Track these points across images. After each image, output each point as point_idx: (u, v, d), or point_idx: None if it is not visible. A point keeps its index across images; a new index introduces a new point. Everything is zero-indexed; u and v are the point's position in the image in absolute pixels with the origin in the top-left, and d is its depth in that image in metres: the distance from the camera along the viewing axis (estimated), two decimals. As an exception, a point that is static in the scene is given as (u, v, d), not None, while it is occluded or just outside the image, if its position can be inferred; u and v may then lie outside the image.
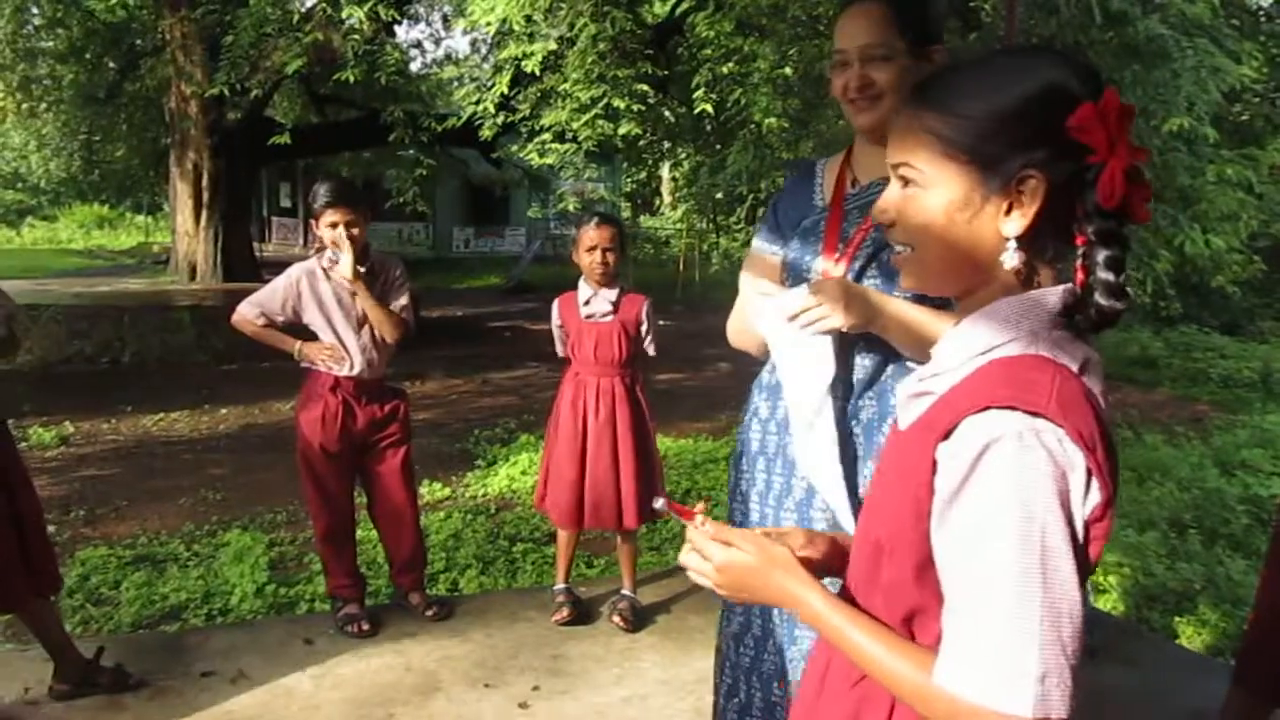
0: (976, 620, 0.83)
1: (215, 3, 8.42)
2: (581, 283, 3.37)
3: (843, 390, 1.70)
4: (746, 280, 1.91)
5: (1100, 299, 0.88)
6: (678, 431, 7.45)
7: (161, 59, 14.02)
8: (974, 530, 0.83)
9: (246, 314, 3.33)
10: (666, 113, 8.41)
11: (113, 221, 32.66)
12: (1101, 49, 5.42)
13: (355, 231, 3.20)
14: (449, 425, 7.70)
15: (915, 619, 0.94)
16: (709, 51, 6.31)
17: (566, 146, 7.26)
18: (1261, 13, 14.79)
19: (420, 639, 3.29)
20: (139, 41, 15.28)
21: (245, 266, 13.75)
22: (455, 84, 13.72)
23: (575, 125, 6.82)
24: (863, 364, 1.73)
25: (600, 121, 6.88)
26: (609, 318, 3.34)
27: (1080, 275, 0.90)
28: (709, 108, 6.73)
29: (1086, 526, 0.83)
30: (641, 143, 8.88)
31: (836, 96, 1.77)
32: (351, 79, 7.10)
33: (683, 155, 11.59)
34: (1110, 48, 5.44)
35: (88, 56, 14.89)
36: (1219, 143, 6.37)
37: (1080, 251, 0.90)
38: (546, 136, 7.16)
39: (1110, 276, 0.88)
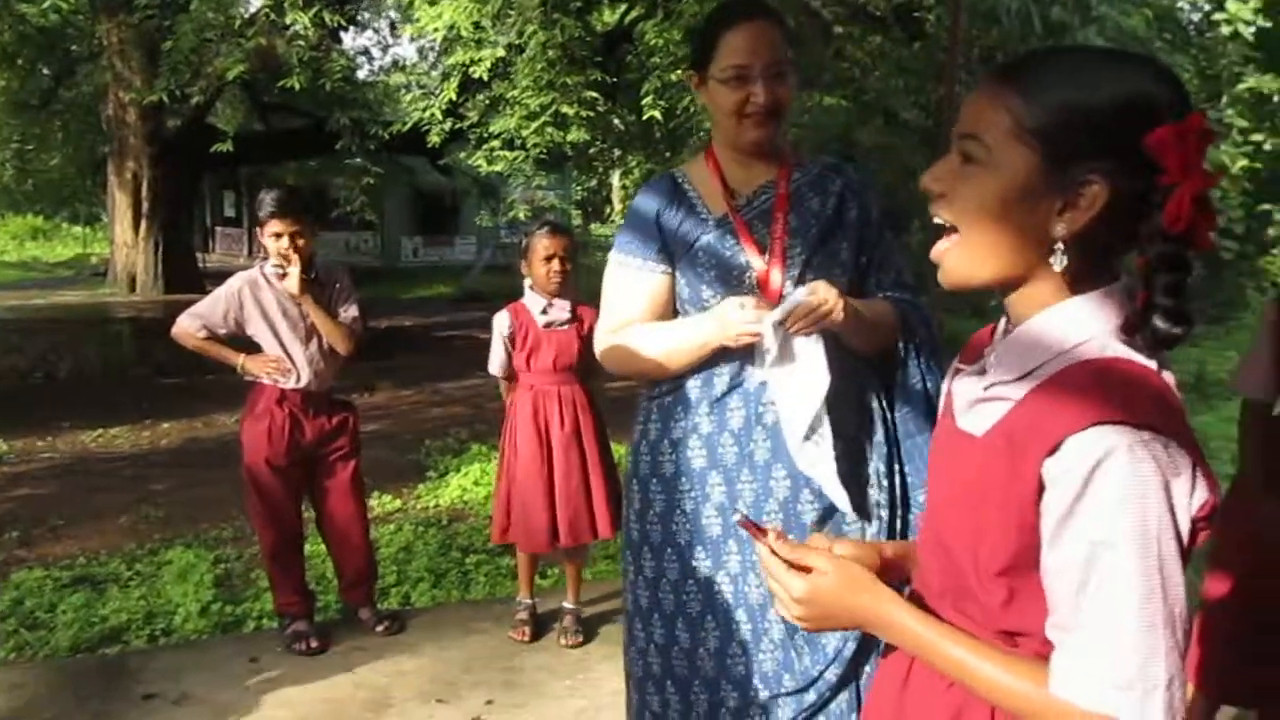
0: (1101, 634, 0.83)
1: (154, 7, 8.26)
2: (530, 292, 3.31)
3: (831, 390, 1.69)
4: (628, 298, 1.85)
5: (1159, 322, 0.86)
6: (628, 438, 7.42)
7: (99, 65, 13.73)
8: (1091, 546, 0.83)
9: (187, 326, 3.24)
10: (616, 120, 8.42)
11: (48, 233, 31.83)
12: (1010, 36, 5.51)
13: (301, 242, 3.13)
14: (399, 436, 7.59)
15: (1013, 634, 0.93)
16: (658, 59, 6.33)
17: (516, 154, 7.23)
18: (1192, 26, 15.25)
19: (371, 655, 3.22)
20: (75, 47, 14.92)
21: (187, 277, 13.49)
22: (403, 91, 13.60)
23: (525, 132, 6.80)
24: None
25: (549, 129, 6.86)
26: (568, 326, 3.29)
27: (1141, 296, 0.88)
28: (658, 114, 6.75)
29: (1193, 524, 0.84)
30: (591, 150, 8.87)
31: (724, 110, 1.75)
32: (296, 86, 7.00)
33: (633, 163, 11.61)
34: (1012, 36, 5.54)
35: (20, 62, 14.47)
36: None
37: (1142, 273, 0.88)
38: (495, 144, 7.12)
39: (1170, 302, 0.86)
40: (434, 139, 7.07)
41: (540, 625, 3.43)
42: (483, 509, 5.49)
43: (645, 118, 6.91)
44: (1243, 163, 14.44)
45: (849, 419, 1.76)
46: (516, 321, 3.30)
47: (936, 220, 0.97)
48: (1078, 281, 0.92)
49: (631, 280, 1.85)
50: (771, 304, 1.69)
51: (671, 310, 1.86)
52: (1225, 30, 14.30)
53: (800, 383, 1.67)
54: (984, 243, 0.93)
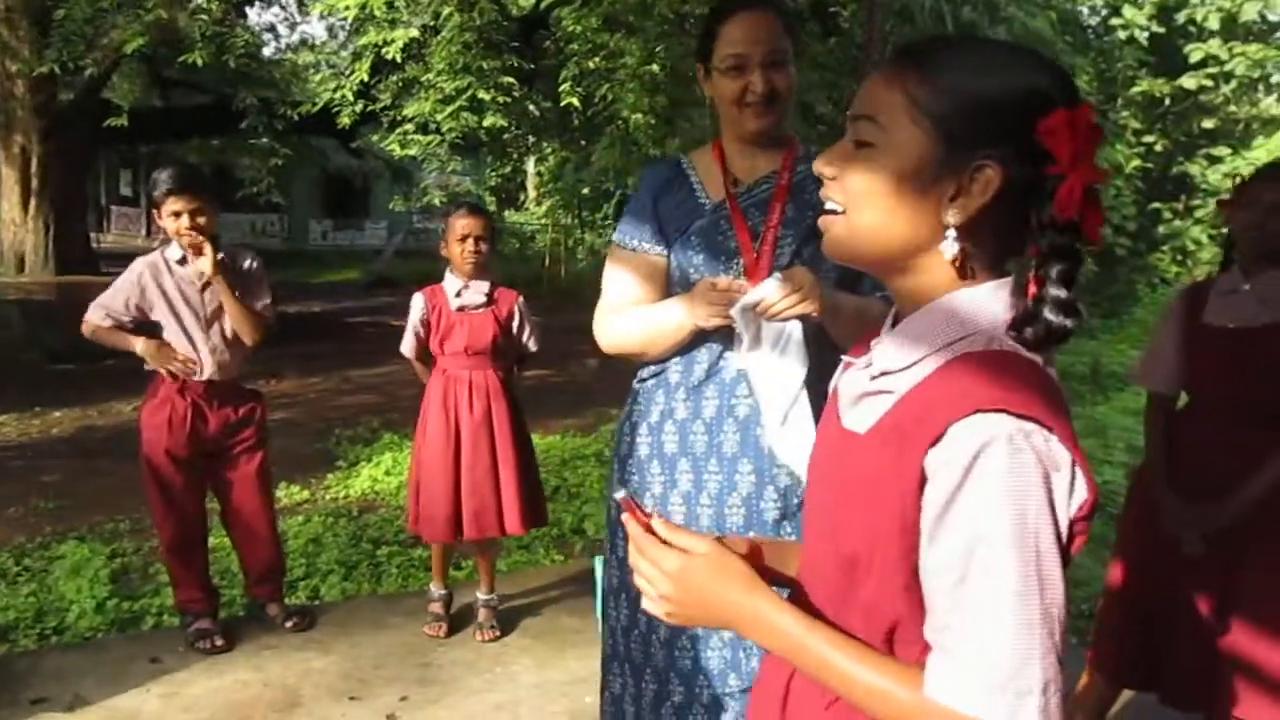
0: (975, 633, 0.80)
1: (44, -26, 7.85)
2: (449, 275, 3.26)
3: (811, 384, 1.69)
4: (623, 281, 1.88)
5: (1050, 314, 0.86)
6: (545, 429, 7.37)
7: (-17, 33, 12.97)
8: (968, 540, 0.80)
9: (92, 319, 3.10)
10: (531, 107, 8.33)
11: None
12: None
13: (202, 221, 3.00)
14: (307, 425, 7.40)
15: (896, 636, 0.89)
16: (576, 46, 6.27)
17: (430, 138, 7.10)
18: (1090, 30, 15.82)
19: (279, 652, 3.13)
20: (-44, 14, 14.08)
21: (80, 258, 12.89)
22: (311, 70, 13.22)
23: (439, 117, 6.67)
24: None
25: (465, 114, 6.75)
26: (483, 309, 3.24)
27: (1032, 288, 0.88)
28: (575, 101, 6.69)
29: (1071, 524, 0.82)
30: (506, 136, 8.77)
31: (725, 100, 1.77)
32: (199, 61, 6.73)
33: (548, 150, 11.52)
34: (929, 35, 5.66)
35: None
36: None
37: (1033, 264, 0.88)
38: (409, 127, 6.98)
39: (1062, 292, 0.86)
40: (345, 121, 6.88)
41: (455, 620, 3.37)
42: (394, 499, 5.39)
43: (563, 105, 6.84)
44: (1136, 163, 15.10)
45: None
46: (431, 303, 3.25)
47: (828, 205, 0.95)
48: (966, 272, 0.91)
49: (626, 263, 1.87)
50: (748, 285, 1.69)
51: (667, 293, 1.88)
52: (1121, 35, 14.91)
53: (777, 368, 1.67)
54: (872, 223, 0.91)
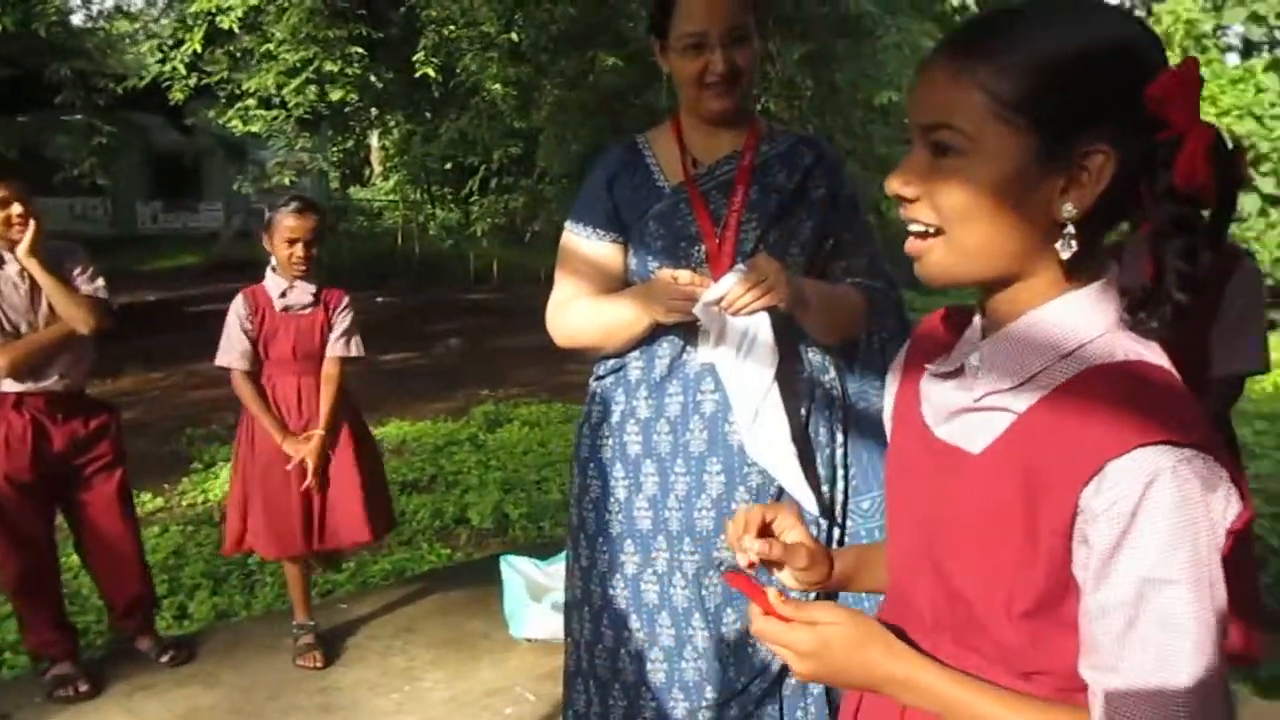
0: (1155, 673, 0.75)
1: None
2: (271, 274, 3.00)
3: (781, 378, 1.61)
4: (577, 270, 1.76)
5: (1176, 292, 0.78)
6: (414, 414, 7.10)
7: None
8: (1140, 583, 0.75)
9: None
10: (374, 78, 7.99)
11: None
12: (821, 21, 5.67)
13: (17, 211, 2.67)
14: (155, 425, 6.87)
15: (1029, 674, 0.84)
16: (434, 12, 5.97)
17: (275, 113, 6.67)
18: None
19: (156, 692, 2.83)
20: None
21: None
22: (128, 40, 12.24)
23: (285, 90, 6.26)
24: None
25: (312, 86, 6.37)
26: (310, 310, 3.00)
27: (1151, 267, 0.80)
28: (431, 71, 6.41)
29: (1226, 536, 0.77)
30: (348, 109, 8.37)
31: (684, 80, 1.67)
32: (2, 28, 6.08)
33: (392, 123, 11.07)
34: (826, 21, 5.71)
35: None
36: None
37: (1149, 241, 0.80)
38: (251, 102, 6.55)
39: (1187, 267, 0.78)
40: (177, 95, 6.38)
41: (332, 637, 3.12)
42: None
43: (419, 75, 6.53)
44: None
45: (798, 411, 1.68)
46: (253, 305, 2.97)
47: (914, 227, 0.85)
48: (1074, 269, 0.82)
49: (580, 250, 1.78)
50: (708, 279, 1.59)
51: (624, 282, 1.78)
52: (953, 3, 15.51)
53: (744, 366, 1.58)
54: (979, 240, 0.82)
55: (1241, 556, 0.78)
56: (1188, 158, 0.76)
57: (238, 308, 2.95)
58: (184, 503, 5.25)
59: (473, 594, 3.48)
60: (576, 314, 1.77)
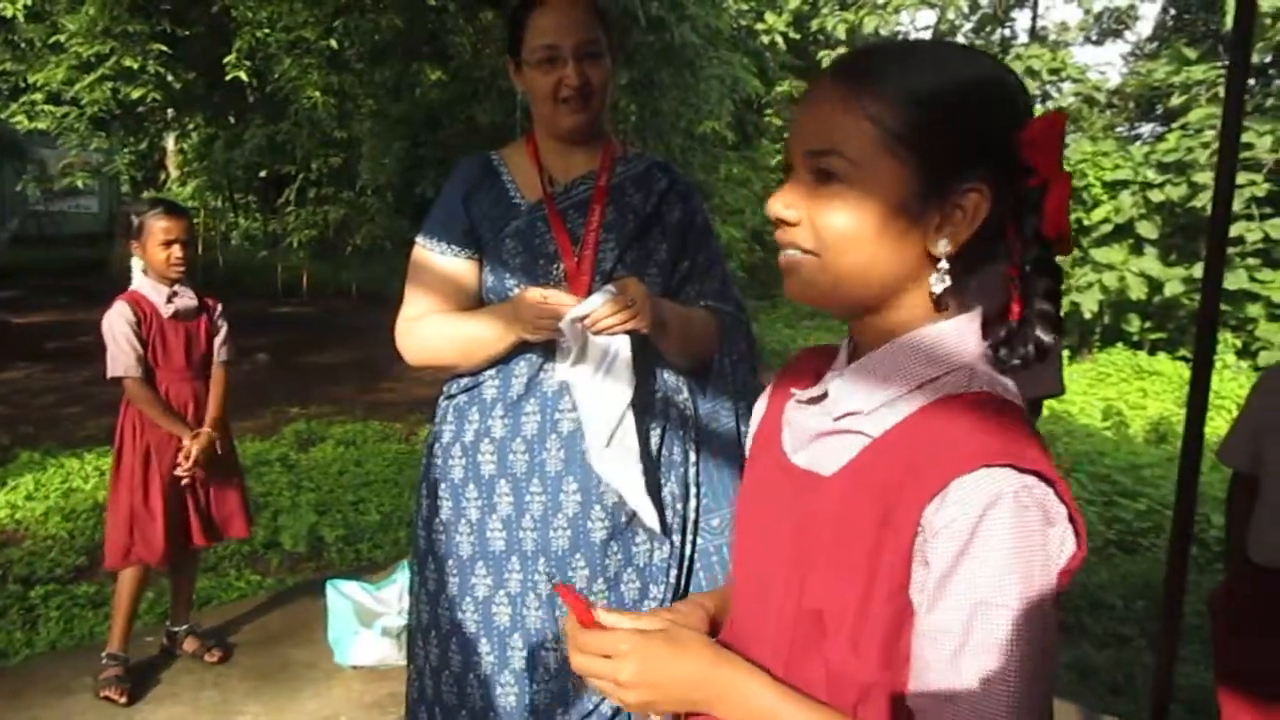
0: (978, 699, 0.75)
1: None
2: (144, 280, 2.91)
3: (636, 399, 1.60)
4: (430, 286, 1.72)
5: (1040, 332, 0.81)
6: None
7: None
8: (972, 606, 0.75)
9: None
10: (172, 78, 7.58)
11: None
12: (646, 51, 5.81)
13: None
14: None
15: (867, 699, 0.81)
16: (248, 13, 5.73)
17: (66, 110, 6.20)
18: (738, 32, 17.13)
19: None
20: None
21: None
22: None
23: (78, 86, 5.84)
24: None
25: (110, 83, 5.97)
26: (196, 316, 2.98)
27: (1016, 306, 0.82)
28: (244, 74, 6.14)
29: (1058, 577, 0.78)
30: (142, 109, 7.90)
31: (538, 96, 1.67)
32: None
33: (191, 125, 10.48)
34: (652, 50, 5.86)
35: None
36: (737, 144, 7.25)
37: (1015, 281, 0.82)
38: (38, 97, 6.07)
39: (1050, 308, 0.81)
40: (-49, 86, 5.82)
41: (141, 678, 2.91)
42: (43, 528, 4.66)
43: (229, 78, 6.24)
44: (779, 158, 16.61)
45: (650, 432, 1.68)
46: (139, 312, 2.86)
47: (790, 251, 0.85)
48: (942, 301, 0.84)
49: (434, 265, 1.73)
50: (577, 298, 1.57)
51: (478, 299, 1.74)
52: (765, 39, 16.26)
53: (602, 386, 1.57)
54: (854, 267, 0.82)
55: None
56: (1055, 205, 0.79)
57: (124, 315, 2.83)
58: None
59: (292, 621, 3.33)
60: (431, 331, 1.72)
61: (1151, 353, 11.80)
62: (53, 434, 6.38)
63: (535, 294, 1.57)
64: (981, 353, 0.84)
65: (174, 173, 20.16)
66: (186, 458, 2.86)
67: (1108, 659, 3.68)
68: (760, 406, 1.04)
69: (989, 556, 0.75)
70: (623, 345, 1.57)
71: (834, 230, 0.82)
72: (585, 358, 1.58)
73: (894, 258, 0.82)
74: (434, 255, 1.74)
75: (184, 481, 2.90)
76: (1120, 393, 10.25)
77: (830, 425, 0.87)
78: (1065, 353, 12.39)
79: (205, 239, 16.56)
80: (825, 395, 0.89)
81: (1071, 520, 0.78)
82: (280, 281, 14.78)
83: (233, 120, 8.65)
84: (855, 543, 0.80)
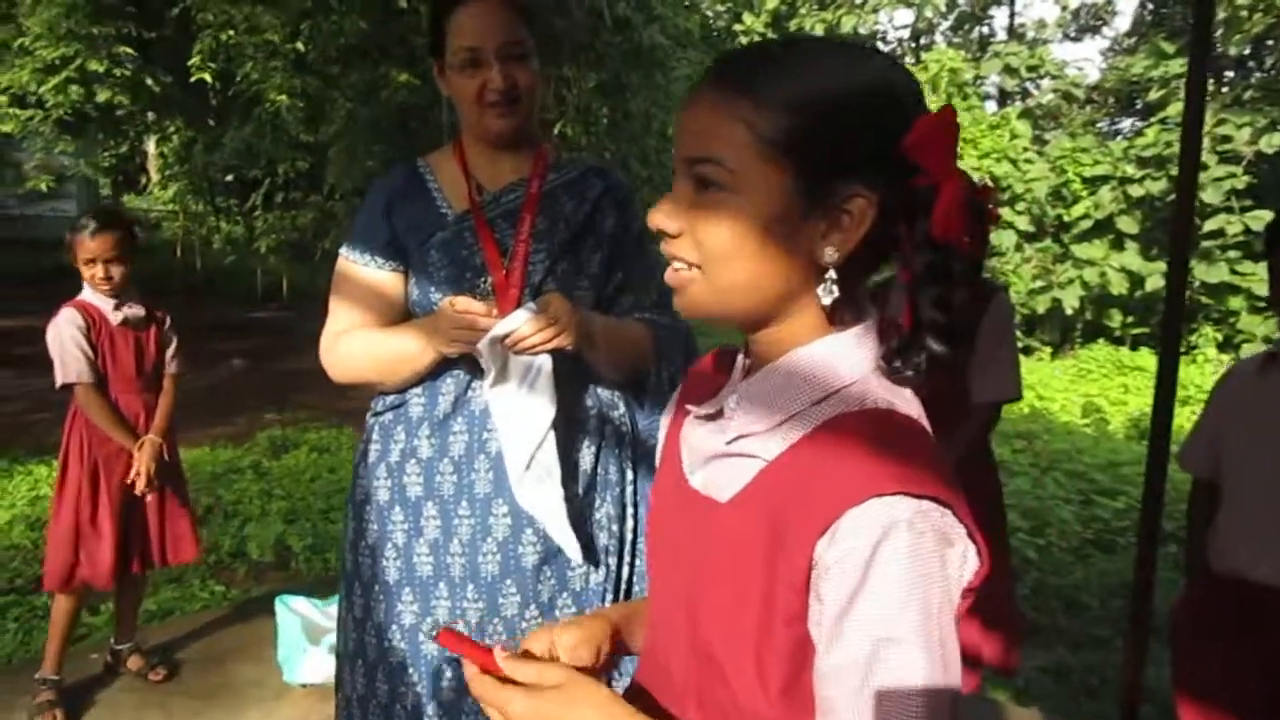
0: None
1: None
2: (91, 290, 2.81)
3: (569, 416, 1.54)
4: (353, 301, 1.66)
5: (932, 343, 0.77)
6: (190, 440, 6.62)
7: None
8: (873, 642, 0.72)
9: None
10: (149, 80, 7.50)
11: None
12: (614, 52, 5.75)
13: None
14: None
15: None
16: (210, 16, 5.65)
17: (31, 112, 6.13)
18: (715, 34, 17.13)
19: None
20: None
21: None
22: None
23: (43, 89, 5.77)
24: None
25: (74, 86, 5.89)
26: (145, 326, 2.89)
27: (907, 316, 0.78)
28: (208, 77, 6.06)
29: (963, 594, 0.75)
30: (121, 113, 7.81)
31: (463, 99, 1.60)
32: None
33: (171, 128, 10.39)
34: (620, 51, 5.80)
35: None
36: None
37: (906, 288, 0.78)
38: (3, 99, 5.99)
39: (941, 317, 0.77)
40: (-89, 88, 5.73)
41: (80, 699, 2.83)
42: (4, 537, 4.58)
43: (194, 80, 6.16)
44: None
45: (584, 451, 1.62)
46: (88, 319, 2.77)
47: (675, 265, 0.81)
48: (835, 312, 0.80)
49: (358, 278, 1.67)
50: (502, 311, 1.50)
51: (404, 313, 1.67)
52: (743, 40, 16.25)
53: (523, 408, 1.50)
54: (739, 279, 0.79)
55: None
56: (944, 207, 0.75)
57: (74, 321, 2.75)
58: None
59: (245, 637, 3.26)
60: (354, 347, 1.64)
61: (1133, 348, 11.79)
62: (20, 440, 6.28)
63: (455, 303, 1.50)
64: (877, 365, 0.80)
65: (155, 176, 20.02)
66: (139, 475, 2.78)
67: (1082, 661, 3.63)
68: (665, 419, 0.99)
69: (886, 589, 0.72)
70: (545, 364, 1.50)
71: (715, 242, 0.78)
72: (506, 377, 1.51)
73: (780, 269, 0.78)
74: (357, 267, 1.67)
75: (147, 497, 2.82)
76: (1101, 389, 10.23)
77: (723, 448, 0.83)
78: (1047, 350, 12.46)
79: (185, 243, 16.46)
80: (722, 412, 0.85)
81: (971, 538, 0.75)
82: (260, 286, 14.69)
83: (212, 123, 8.55)
84: (750, 573, 0.77)
